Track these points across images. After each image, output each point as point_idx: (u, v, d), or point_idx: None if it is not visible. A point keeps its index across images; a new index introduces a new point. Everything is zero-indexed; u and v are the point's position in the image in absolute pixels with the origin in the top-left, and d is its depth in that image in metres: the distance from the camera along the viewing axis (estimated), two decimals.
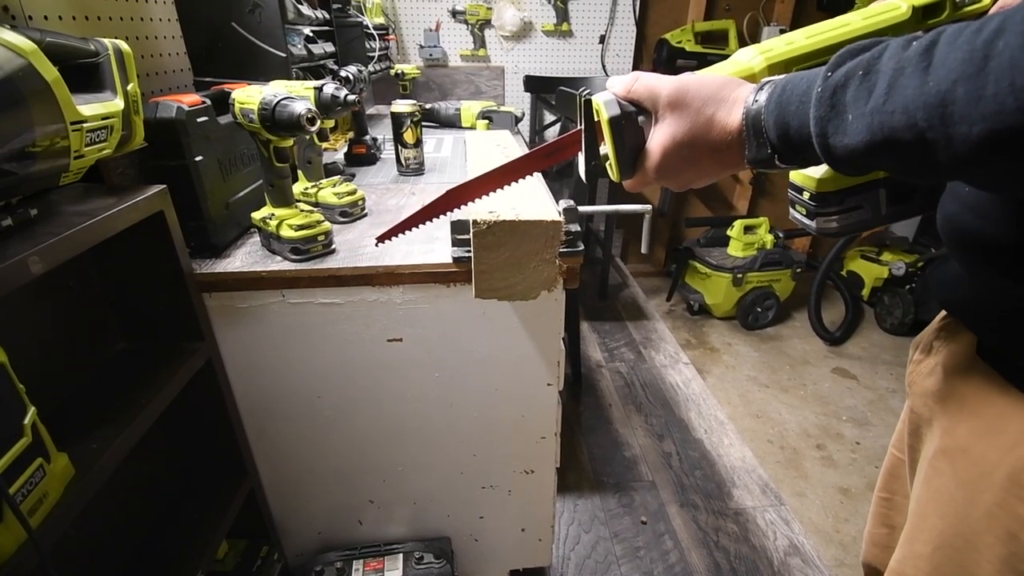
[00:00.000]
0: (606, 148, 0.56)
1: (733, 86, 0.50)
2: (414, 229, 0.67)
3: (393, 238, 0.70)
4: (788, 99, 0.44)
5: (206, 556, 0.93)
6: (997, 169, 0.34)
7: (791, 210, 0.65)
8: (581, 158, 0.60)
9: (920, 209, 0.61)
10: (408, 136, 1.42)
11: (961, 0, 0.54)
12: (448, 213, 0.66)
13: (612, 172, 0.57)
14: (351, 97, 0.97)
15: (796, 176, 0.61)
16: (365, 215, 1.16)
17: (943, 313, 0.66)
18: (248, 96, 0.85)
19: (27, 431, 0.57)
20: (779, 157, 0.46)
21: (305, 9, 1.42)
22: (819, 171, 0.58)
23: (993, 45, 0.31)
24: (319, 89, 0.96)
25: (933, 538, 0.60)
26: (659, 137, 0.52)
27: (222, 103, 0.92)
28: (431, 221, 0.67)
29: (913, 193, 0.59)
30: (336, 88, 0.96)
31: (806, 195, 0.60)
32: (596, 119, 0.56)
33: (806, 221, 0.62)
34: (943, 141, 0.34)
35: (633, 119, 0.54)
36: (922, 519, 0.62)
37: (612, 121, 0.54)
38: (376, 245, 0.84)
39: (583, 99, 0.56)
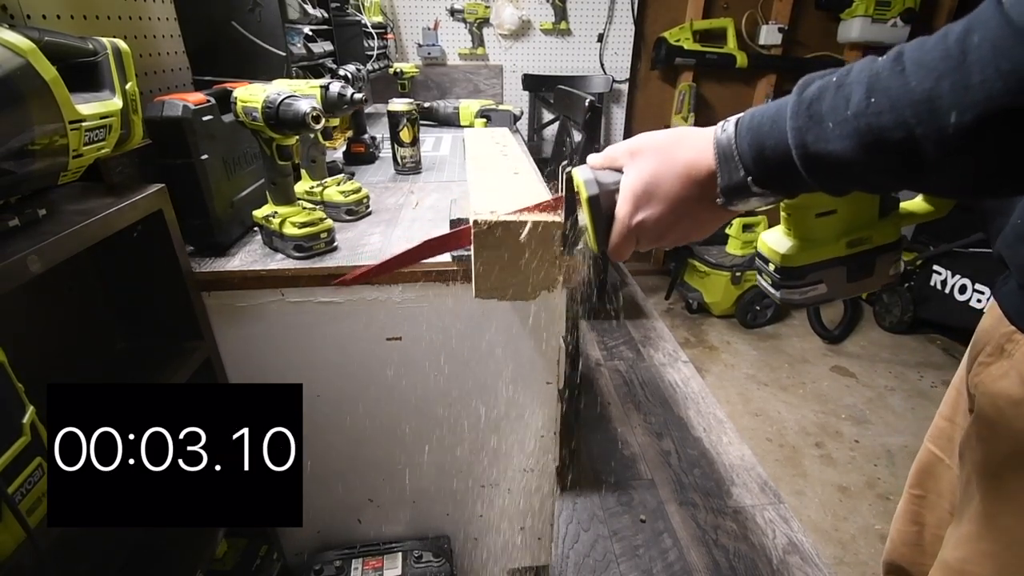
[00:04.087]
0: (584, 220, 0.58)
1: (690, 130, 0.51)
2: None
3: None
4: (760, 122, 0.45)
5: (205, 555, 0.93)
6: (983, 157, 0.36)
7: (758, 277, 0.67)
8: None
9: (877, 285, 0.63)
10: (404, 135, 1.42)
11: None
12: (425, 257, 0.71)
13: (590, 242, 0.58)
14: (358, 95, 0.97)
15: (763, 248, 0.63)
16: (369, 213, 1.17)
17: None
18: (251, 94, 0.85)
19: (26, 430, 0.57)
20: (754, 180, 0.46)
21: (310, 9, 1.42)
22: (784, 246, 0.60)
23: (966, 42, 0.34)
24: (325, 88, 0.96)
25: (1003, 536, 0.60)
26: (625, 183, 0.53)
27: (225, 102, 0.92)
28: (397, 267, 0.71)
29: (872, 269, 0.62)
30: (342, 87, 0.97)
31: (772, 266, 0.62)
32: (576, 191, 0.58)
33: (771, 290, 0.64)
34: (934, 135, 0.36)
35: (611, 195, 0.55)
36: (990, 519, 0.61)
37: (591, 200, 0.55)
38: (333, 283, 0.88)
39: (565, 174, 0.58)
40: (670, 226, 0.53)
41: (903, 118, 0.36)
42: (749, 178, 0.46)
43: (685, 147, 0.50)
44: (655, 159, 0.51)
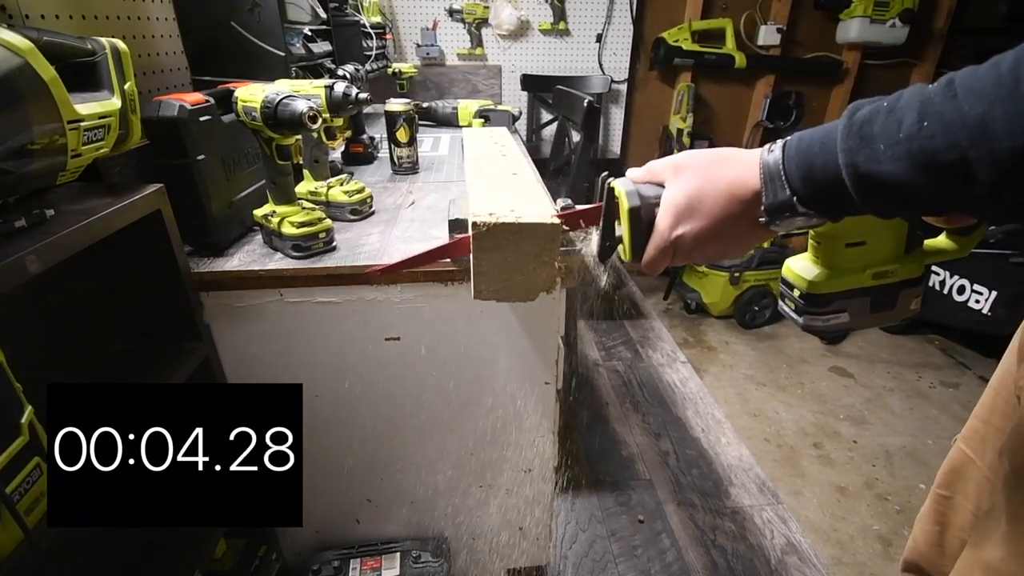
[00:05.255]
0: (621, 230, 0.59)
1: (736, 151, 0.53)
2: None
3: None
4: (809, 144, 0.47)
5: (204, 555, 0.93)
6: None
7: (780, 302, 0.69)
8: (595, 236, 0.63)
9: (898, 318, 0.65)
10: (401, 135, 1.42)
11: None
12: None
13: (625, 252, 0.59)
14: (363, 95, 0.97)
15: (788, 274, 0.65)
16: (373, 212, 1.17)
17: None
18: (251, 94, 0.85)
19: (24, 430, 0.57)
20: (800, 200, 0.47)
21: (321, 11, 1.43)
22: (811, 273, 0.62)
23: (1019, 71, 0.35)
24: (330, 88, 0.96)
25: None
26: (667, 197, 0.54)
27: (226, 102, 0.92)
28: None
29: (895, 302, 0.63)
30: (347, 86, 0.97)
31: (796, 292, 0.64)
32: (615, 201, 0.59)
33: (794, 316, 0.66)
34: (987, 157, 0.36)
35: (651, 208, 0.56)
36: None
37: (632, 211, 0.56)
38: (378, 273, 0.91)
39: (607, 186, 0.59)
40: (708, 242, 0.54)
41: (956, 141, 0.37)
42: (795, 198, 0.48)
43: (730, 166, 0.52)
44: (699, 176, 0.53)
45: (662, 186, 0.56)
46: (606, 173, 0.60)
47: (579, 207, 0.66)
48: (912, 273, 0.63)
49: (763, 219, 0.50)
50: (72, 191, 0.74)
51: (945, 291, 2.50)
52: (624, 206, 0.57)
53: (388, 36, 2.52)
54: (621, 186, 0.58)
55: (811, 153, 0.46)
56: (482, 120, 1.98)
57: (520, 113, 2.01)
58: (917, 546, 0.90)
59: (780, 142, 0.49)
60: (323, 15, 1.52)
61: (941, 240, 0.65)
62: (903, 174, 0.40)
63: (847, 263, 0.61)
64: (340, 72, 1.48)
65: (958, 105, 0.37)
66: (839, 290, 0.62)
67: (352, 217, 1.12)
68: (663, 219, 0.54)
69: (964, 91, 0.38)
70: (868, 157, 0.42)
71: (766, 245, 2.73)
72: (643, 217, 0.56)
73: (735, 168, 0.51)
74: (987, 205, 0.40)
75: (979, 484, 0.79)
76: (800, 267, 0.64)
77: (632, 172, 0.59)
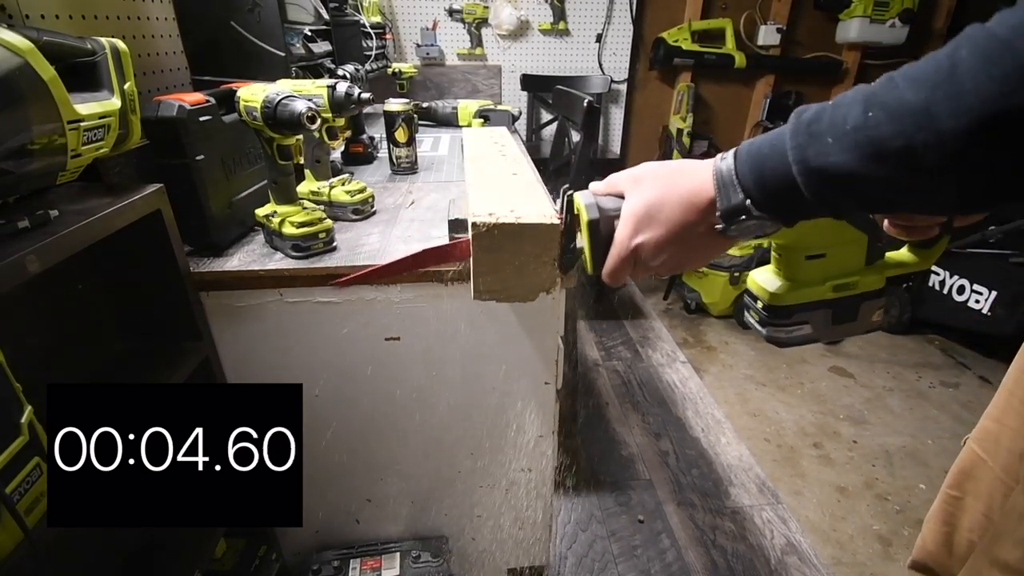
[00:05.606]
0: (582, 242, 0.60)
1: (693, 162, 0.54)
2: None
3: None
4: (759, 147, 0.48)
5: (204, 555, 0.93)
6: (981, 162, 0.37)
7: (745, 312, 0.70)
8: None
9: (860, 330, 0.66)
10: (400, 135, 1.42)
11: None
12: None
13: (587, 265, 0.60)
14: (365, 95, 0.97)
15: (752, 285, 0.66)
16: (374, 212, 1.17)
17: None
18: (252, 94, 0.86)
19: (24, 430, 0.57)
20: (754, 203, 0.48)
21: (323, 12, 1.43)
22: (773, 285, 0.63)
23: (956, 56, 0.36)
24: (332, 87, 0.96)
25: None
26: (626, 207, 0.55)
27: (228, 102, 0.92)
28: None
29: (856, 314, 0.64)
30: (349, 86, 0.97)
31: (760, 304, 0.65)
32: (576, 214, 0.60)
33: (758, 327, 0.67)
34: (932, 140, 0.37)
35: (611, 220, 0.57)
36: None
37: (591, 223, 0.57)
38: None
39: (567, 198, 0.60)
40: (667, 250, 0.55)
41: (902, 127, 0.38)
42: (748, 201, 0.48)
43: (687, 176, 0.53)
44: (658, 186, 0.54)
45: (622, 198, 0.57)
46: (567, 186, 0.61)
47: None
48: (873, 285, 0.64)
49: (719, 225, 0.51)
50: (72, 191, 0.74)
51: (945, 291, 2.50)
52: (584, 218, 0.58)
53: (388, 36, 2.52)
54: (581, 199, 0.58)
55: (762, 155, 0.47)
56: (482, 120, 1.99)
57: (520, 113, 2.01)
58: (925, 545, 0.89)
59: (732, 150, 0.50)
60: (324, 15, 1.52)
61: (903, 253, 0.66)
62: (853, 165, 0.41)
63: (808, 275, 0.62)
64: (340, 72, 1.48)
65: (901, 94, 0.38)
66: (800, 302, 0.63)
67: (354, 217, 1.12)
68: (623, 229, 0.55)
69: (905, 81, 0.38)
70: (817, 151, 0.43)
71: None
72: (602, 229, 0.57)
73: (693, 178, 0.52)
74: (935, 195, 0.41)
75: (991, 485, 0.79)
76: (763, 279, 0.65)
77: (594, 185, 0.60)
